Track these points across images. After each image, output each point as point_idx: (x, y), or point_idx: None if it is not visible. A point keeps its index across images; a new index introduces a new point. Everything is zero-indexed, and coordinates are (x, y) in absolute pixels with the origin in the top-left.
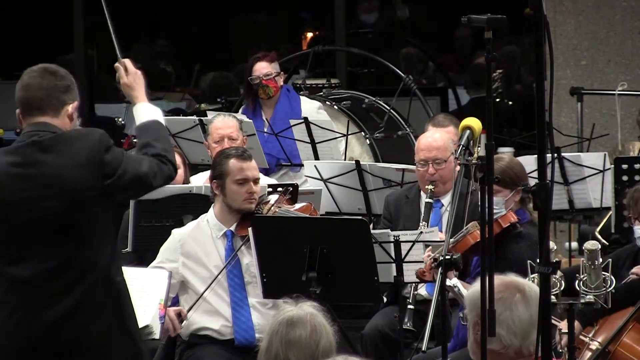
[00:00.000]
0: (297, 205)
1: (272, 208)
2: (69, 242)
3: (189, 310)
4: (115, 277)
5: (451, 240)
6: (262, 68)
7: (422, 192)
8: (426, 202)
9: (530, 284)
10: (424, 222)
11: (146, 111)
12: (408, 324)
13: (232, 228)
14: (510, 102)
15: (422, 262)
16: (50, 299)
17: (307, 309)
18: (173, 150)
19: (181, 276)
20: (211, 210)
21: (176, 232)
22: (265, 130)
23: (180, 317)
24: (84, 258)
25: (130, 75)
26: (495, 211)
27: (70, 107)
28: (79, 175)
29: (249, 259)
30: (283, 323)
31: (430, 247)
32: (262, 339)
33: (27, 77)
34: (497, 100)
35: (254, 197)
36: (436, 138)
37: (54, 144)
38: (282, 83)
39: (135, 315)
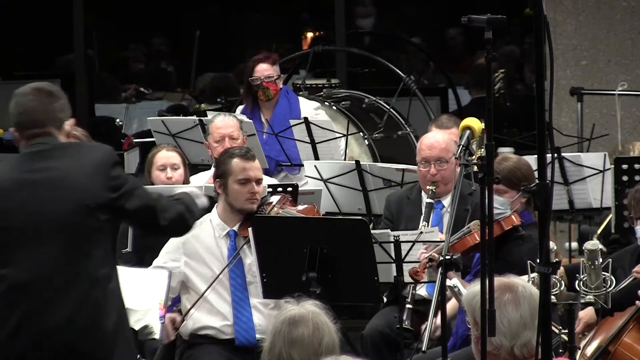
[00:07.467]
0: (300, 207)
1: (275, 209)
2: (68, 246)
3: (189, 310)
4: (108, 281)
5: (451, 238)
6: (264, 70)
7: (423, 193)
8: (427, 203)
9: (525, 284)
10: (424, 222)
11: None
12: (406, 323)
13: (235, 228)
14: (509, 104)
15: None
16: (50, 302)
17: (309, 308)
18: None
19: (183, 275)
20: (215, 209)
21: None
22: (265, 131)
23: (175, 324)
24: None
25: None
26: (499, 211)
27: (67, 125)
28: (86, 181)
29: (251, 259)
30: (285, 322)
31: (426, 246)
32: (263, 340)
33: (24, 100)
34: (497, 96)
35: (255, 198)
36: (438, 139)
37: (62, 151)
38: (281, 86)
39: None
